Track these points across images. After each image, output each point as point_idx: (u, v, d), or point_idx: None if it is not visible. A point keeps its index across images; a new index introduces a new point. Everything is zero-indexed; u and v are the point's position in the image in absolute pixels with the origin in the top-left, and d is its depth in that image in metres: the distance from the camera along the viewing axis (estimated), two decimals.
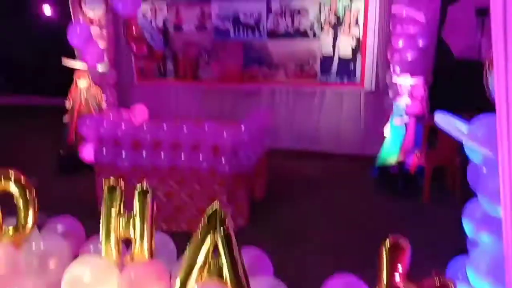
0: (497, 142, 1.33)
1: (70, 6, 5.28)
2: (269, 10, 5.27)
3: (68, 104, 5.01)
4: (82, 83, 4.86)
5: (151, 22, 5.49)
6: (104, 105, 5.04)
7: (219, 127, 3.67)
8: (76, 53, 5.01)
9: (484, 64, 1.83)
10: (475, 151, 1.56)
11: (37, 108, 7.87)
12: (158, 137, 3.60)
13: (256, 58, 5.50)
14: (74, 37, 3.81)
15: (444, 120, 1.58)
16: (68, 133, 5.05)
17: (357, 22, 5.04)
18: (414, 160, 4.33)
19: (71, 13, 5.29)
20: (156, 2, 5.49)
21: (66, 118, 5.04)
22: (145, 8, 5.57)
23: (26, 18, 8.50)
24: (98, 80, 5.30)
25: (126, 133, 3.64)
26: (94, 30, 5.06)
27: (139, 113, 4.60)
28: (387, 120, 4.70)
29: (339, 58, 5.23)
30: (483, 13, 4.65)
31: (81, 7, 4.86)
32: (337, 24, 5.11)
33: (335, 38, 5.17)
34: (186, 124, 3.62)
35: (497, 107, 1.36)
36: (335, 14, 5.09)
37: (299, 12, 5.20)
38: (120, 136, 3.66)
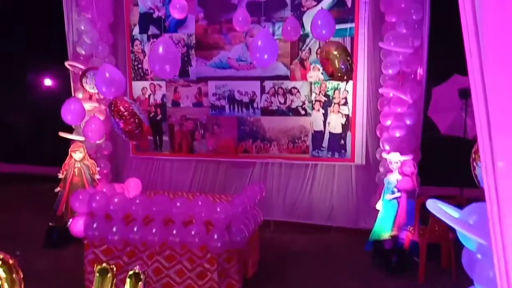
0: (490, 231, 1.35)
1: (71, 80, 5.51)
2: (262, 89, 5.53)
3: (60, 174, 5.00)
4: (78, 155, 4.90)
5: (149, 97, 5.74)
6: (97, 177, 5.04)
7: (212, 202, 3.67)
8: (73, 125, 5.12)
9: (471, 152, 1.93)
10: (468, 238, 1.58)
11: (29, 176, 7.82)
12: (150, 212, 3.58)
13: (250, 133, 5.66)
14: (67, 113, 3.92)
15: (436, 207, 1.61)
16: (58, 204, 4.97)
17: (346, 101, 5.28)
18: (407, 236, 4.32)
19: (72, 87, 5.51)
20: (156, 81, 5.75)
21: (57, 189, 5.00)
22: (144, 84, 5.84)
23: (25, 87, 8.76)
24: (93, 151, 5.37)
25: (118, 208, 3.61)
26: (93, 105, 5.24)
27: (133, 186, 4.59)
28: (379, 193, 4.75)
29: (330, 134, 5.41)
30: (466, 94, 4.93)
31: (81, 82, 5.06)
32: (327, 103, 5.35)
33: (325, 115, 5.39)
34: (179, 199, 3.62)
35: (486, 195, 1.41)
36: (325, 94, 5.35)
37: (290, 91, 5.46)
38: (111, 210, 3.62)
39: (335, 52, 3.84)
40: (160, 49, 3.29)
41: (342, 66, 3.82)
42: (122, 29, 5.78)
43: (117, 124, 3.40)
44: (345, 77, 4.00)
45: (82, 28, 5.27)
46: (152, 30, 5.71)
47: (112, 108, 3.38)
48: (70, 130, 5.28)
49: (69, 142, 5.22)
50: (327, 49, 3.89)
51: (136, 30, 5.76)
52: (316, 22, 3.88)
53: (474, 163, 1.60)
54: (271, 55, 3.69)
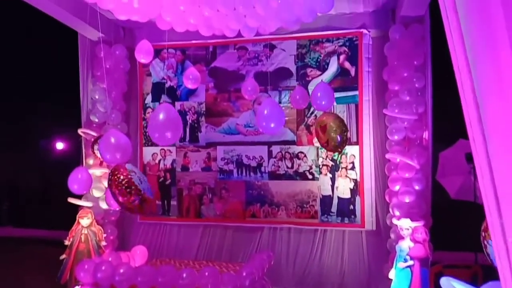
0: None
1: (83, 146, 5.65)
2: (270, 154, 5.61)
3: (67, 241, 4.96)
4: (85, 221, 4.89)
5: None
6: (104, 243, 4.99)
7: (219, 273, 3.58)
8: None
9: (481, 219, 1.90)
10: None
11: (38, 240, 7.75)
12: (156, 283, 3.49)
13: (258, 197, 5.65)
14: (74, 183, 3.96)
15: (450, 286, 1.56)
16: (63, 272, 4.87)
17: (353, 166, 5.31)
18: None
19: (83, 153, 5.64)
20: (166, 146, 5.88)
21: (63, 256, 4.92)
22: (155, 150, 5.97)
23: (38, 151, 8.96)
24: (100, 217, 5.36)
25: (124, 278, 3.53)
26: (104, 170, 5.32)
27: (139, 255, 4.52)
28: (391, 261, 4.60)
29: (339, 198, 5.37)
30: (473, 158, 4.95)
31: (93, 149, 5.18)
32: (334, 167, 5.38)
33: (333, 180, 5.39)
34: (185, 270, 3.54)
35: (500, 275, 1.37)
36: (332, 159, 5.40)
37: (297, 156, 5.53)
38: (117, 281, 3.55)
39: (333, 124, 3.95)
40: (160, 116, 3.28)
41: (339, 138, 3.91)
42: (135, 97, 6.03)
43: (113, 196, 3.30)
44: (339, 149, 4.09)
45: (97, 97, 5.51)
46: (164, 98, 5.95)
47: (110, 177, 3.29)
48: (79, 195, 5.31)
49: (77, 206, 5.24)
50: (325, 120, 4.01)
51: (148, 99, 6.00)
52: (316, 94, 4.03)
53: (485, 241, 1.57)
54: (278, 123, 3.80)
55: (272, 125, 3.76)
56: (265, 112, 3.78)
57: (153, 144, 5.98)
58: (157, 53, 5.74)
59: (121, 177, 3.25)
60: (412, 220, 4.41)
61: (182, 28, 4.41)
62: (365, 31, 5.24)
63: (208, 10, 4.09)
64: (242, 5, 4.18)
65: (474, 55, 1.91)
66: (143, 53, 4.35)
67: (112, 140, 3.35)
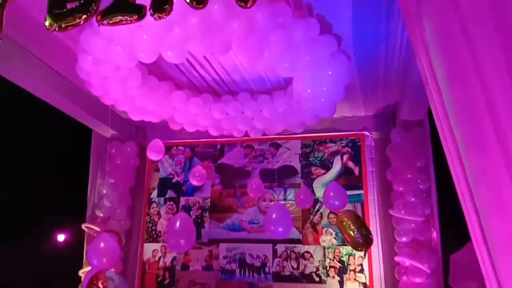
0: None
1: (85, 241, 5.54)
2: (274, 252, 5.46)
3: None
4: None
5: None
6: None
7: None
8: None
9: None
10: None
11: None
12: None
13: None
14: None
15: None
16: None
17: (362, 269, 5.11)
18: None
19: (84, 249, 5.51)
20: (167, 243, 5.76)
21: None
22: (156, 246, 5.83)
23: (38, 244, 8.73)
24: None
25: None
26: None
27: None
28: None
29: None
30: None
31: None
32: (342, 269, 5.18)
33: (341, 283, 5.15)
34: None
35: None
36: (340, 260, 5.22)
37: (303, 256, 5.36)
38: None
39: (348, 222, 3.91)
40: (177, 224, 3.40)
41: (357, 236, 3.83)
42: (141, 192, 6.07)
43: None
44: (364, 248, 3.98)
45: (104, 192, 5.56)
46: (170, 193, 5.99)
47: (90, 284, 3.27)
48: None
49: None
50: (340, 219, 3.98)
51: (154, 194, 6.05)
52: (328, 194, 4.07)
53: None
54: (286, 228, 3.78)
55: (280, 229, 3.75)
56: (273, 216, 3.78)
57: (155, 240, 5.87)
58: (167, 150, 5.94)
59: (100, 286, 3.25)
60: None
61: (192, 128, 4.63)
62: (367, 133, 5.46)
63: (218, 114, 4.34)
64: (250, 109, 4.45)
65: (469, 164, 1.98)
66: (155, 151, 4.51)
67: (102, 244, 3.37)
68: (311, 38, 3.12)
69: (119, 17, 2.04)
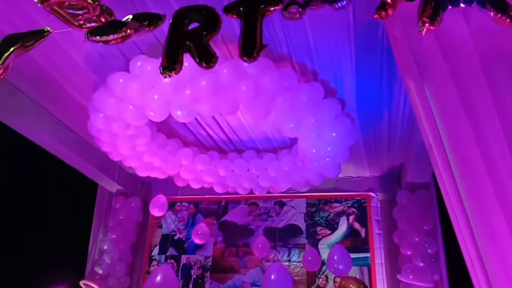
0: None
1: None
2: None
3: None
4: None
5: None
6: None
7: None
8: None
9: None
10: None
11: None
12: None
13: None
14: None
15: None
16: None
17: None
18: None
19: None
20: None
21: None
22: None
23: None
24: None
25: None
26: None
27: None
28: None
29: None
30: None
31: None
32: None
33: None
34: None
35: None
36: None
37: None
38: None
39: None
40: (158, 278, 3.30)
41: None
42: (142, 249, 5.95)
43: None
44: None
45: (105, 248, 5.47)
46: (171, 251, 5.86)
47: None
48: None
49: None
50: (345, 285, 3.85)
51: (155, 251, 5.92)
52: (332, 257, 3.97)
53: None
54: None
55: None
56: (272, 277, 3.68)
57: None
58: (171, 206, 5.90)
59: None
60: None
61: (198, 185, 4.65)
62: (372, 194, 5.42)
63: (224, 171, 4.38)
64: (255, 167, 4.49)
65: (476, 227, 1.96)
66: (158, 207, 4.49)
67: None
68: (316, 101, 3.23)
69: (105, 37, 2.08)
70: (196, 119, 4.04)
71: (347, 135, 3.51)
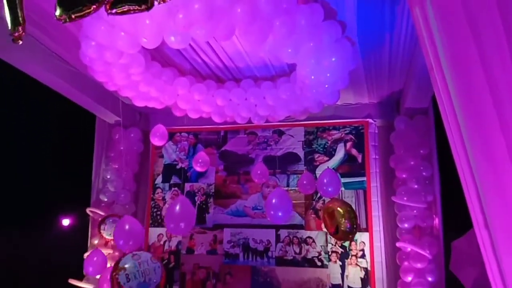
0: None
1: (89, 225, 5.63)
2: (277, 238, 5.52)
3: None
4: None
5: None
6: None
7: None
8: (84, 273, 5.04)
9: None
10: None
11: None
12: None
13: (263, 285, 5.42)
14: (89, 265, 3.95)
15: None
16: None
17: (363, 254, 5.16)
18: None
19: (89, 233, 5.60)
20: None
21: None
22: (161, 230, 5.91)
23: (42, 229, 8.85)
24: None
25: None
26: (108, 251, 5.24)
27: None
28: None
29: None
30: None
31: (99, 228, 5.16)
32: (344, 254, 5.24)
33: (343, 268, 5.21)
34: None
35: None
36: (341, 245, 5.27)
37: (306, 241, 5.42)
38: None
39: (340, 210, 3.94)
40: (177, 208, 3.43)
41: (348, 224, 3.87)
42: (145, 178, 6.12)
43: None
44: (350, 236, 4.03)
45: (108, 177, 5.62)
46: (174, 179, 6.04)
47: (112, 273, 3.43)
48: (80, 276, 5.17)
49: None
50: (332, 206, 4.01)
51: (159, 179, 6.09)
52: (322, 180, 4.09)
53: None
54: (285, 212, 3.81)
55: (280, 214, 3.78)
56: (273, 201, 3.81)
57: (160, 225, 5.94)
58: (171, 136, 5.96)
59: (114, 274, 3.39)
60: None
61: (196, 115, 4.64)
62: (370, 120, 5.44)
63: (221, 100, 4.34)
64: (253, 95, 4.44)
65: (475, 156, 1.98)
66: (158, 136, 4.53)
67: (127, 227, 3.47)
68: (315, 24, 3.09)
69: (127, 7, 2.03)
70: (191, 45, 3.91)
71: (347, 60, 3.42)
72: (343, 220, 4.06)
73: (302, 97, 4.09)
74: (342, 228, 4.07)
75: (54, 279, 5.86)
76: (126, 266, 3.46)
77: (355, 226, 4.12)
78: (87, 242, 5.56)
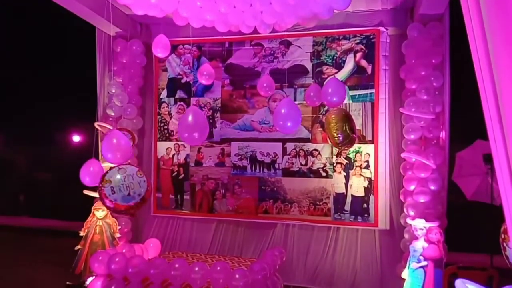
0: None
1: (99, 139, 5.72)
2: (284, 151, 5.61)
3: (82, 232, 5.04)
4: (100, 213, 4.97)
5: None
6: (118, 235, 5.06)
7: (231, 268, 3.60)
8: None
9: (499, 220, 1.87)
10: None
11: (54, 231, 7.94)
12: (168, 276, 3.53)
13: (271, 194, 5.65)
14: (86, 175, 4.07)
15: None
16: (77, 262, 4.96)
17: (368, 165, 5.27)
18: None
19: (99, 146, 5.72)
20: (181, 141, 5.92)
21: (77, 247, 5.01)
22: (169, 144, 6.02)
23: (55, 144, 9.10)
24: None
25: (136, 271, 3.58)
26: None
27: (152, 247, 4.58)
28: (405, 260, 4.56)
29: (352, 197, 5.34)
30: (491, 159, 4.86)
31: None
32: (348, 165, 5.35)
33: (347, 178, 5.36)
34: (197, 264, 3.58)
35: None
36: (346, 157, 5.36)
37: (312, 153, 5.51)
38: (130, 273, 3.60)
39: (333, 120, 3.92)
40: (190, 118, 3.42)
41: (340, 136, 3.87)
42: (150, 92, 6.08)
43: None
44: (344, 146, 4.04)
45: (113, 91, 5.58)
46: (180, 94, 5.99)
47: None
48: (94, 188, 5.39)
49: (93, 199, 5.31)
50: (327, 116, 3.99)
51: (164, 94, 6.05)
52: (327, 90, 4.00)
53: (504, 244, 1.54)
54: (294, 122, 3.80)
55: (289, 124, 3.77)
56: (282, 111, 3.78)
57: (167, 139, 6.04)
58: (174, 48, 5.79)
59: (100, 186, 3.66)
60: (427, 220, 4.35)
61: (198, 24, 4.43)
62: (382, 28, 5.18)
63: (225, 6, 4.10)
64: (259, 1, 4.17)
65: (497, 56, 1.87)
66: (160, 47, 4.38)
67: (114, 141, 3.49)
68: None
69: None
70: None
71: None
72: (334, 131, 4.07)
73: (311, 2, 3.83)
74: (334, 139, 4.10)
75: (71, 189, 6.15)
76: (112, 179, 3.61)
77: (348, 136, 4.10)
78: (98, 154, 5.69)
